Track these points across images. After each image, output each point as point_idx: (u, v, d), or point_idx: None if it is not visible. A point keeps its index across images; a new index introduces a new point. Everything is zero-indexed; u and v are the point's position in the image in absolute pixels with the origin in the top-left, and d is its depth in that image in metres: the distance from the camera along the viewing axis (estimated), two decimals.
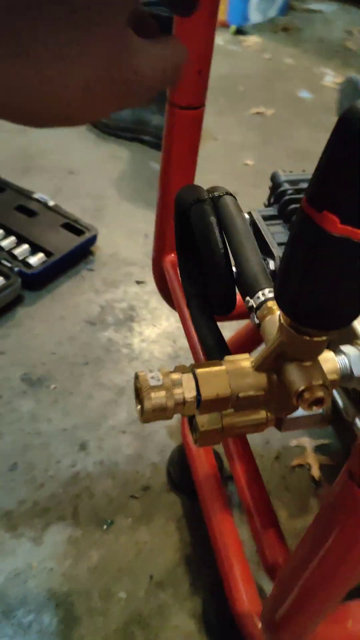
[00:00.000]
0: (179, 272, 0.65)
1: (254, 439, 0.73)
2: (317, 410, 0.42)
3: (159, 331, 1.21)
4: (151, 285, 1.30)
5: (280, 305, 0.38)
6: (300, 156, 1.76)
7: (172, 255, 0.78)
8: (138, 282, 1.31)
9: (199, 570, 0.85)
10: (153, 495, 0.93)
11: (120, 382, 1.09)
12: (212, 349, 0.59)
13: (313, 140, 1.89)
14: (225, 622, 0.77)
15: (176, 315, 1.23)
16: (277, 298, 0.38)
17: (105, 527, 0.89)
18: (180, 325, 1.21)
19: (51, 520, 0.89)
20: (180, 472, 0.93)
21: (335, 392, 0.55)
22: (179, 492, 0.93)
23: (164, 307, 1.26)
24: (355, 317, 0.38)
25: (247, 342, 0.86)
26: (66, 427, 1.01)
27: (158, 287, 0.84)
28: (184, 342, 1.18)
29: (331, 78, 2.30)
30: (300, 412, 0.53)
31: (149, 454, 0.99)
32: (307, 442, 1.03)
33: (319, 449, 1.02)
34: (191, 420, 0.53)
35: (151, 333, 1.20)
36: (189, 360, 1.15)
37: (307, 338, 0.40)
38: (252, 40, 2.51)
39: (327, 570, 0.38)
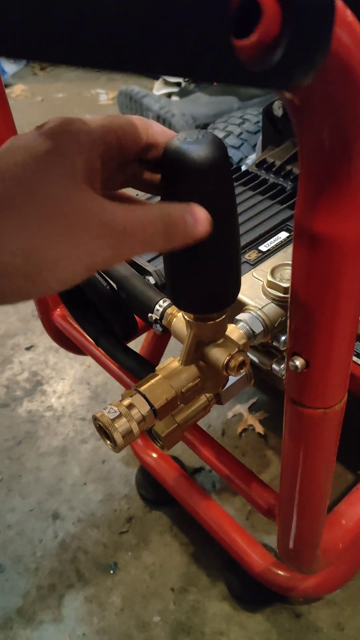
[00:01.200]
0: (75, 320, 0.71)
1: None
2: (243, 372, 0.51)
3: (70, 381, 1.25)
4: (42, 345, 1.34)
5: (181, 308, 0.47)
6: None
7: (59, 309, 0.83)
8: (28, 349, 1.34)
9: (209, 558, 0.92)
10: (138, 521, 0.98)
11: (59, 444, 1.12)
12: (138, 369, 0.66)
13: None
14: (251, 586, 0.85)
15: (78, 360, 1.29)
16: (175, 303, 0.46)
17: (112, 571, 0.93)
18: (87, 367, 1.27)
19: (62, 593, 0.91)
20: (151, 489, 0.99)
21: (248, 355, 0.65)
22: (159, 507, 0.99)
23: (64, 358, 1.30)
24: (237, 293, 0.47)
25: (155, 351, 0.94)
26: (32, 507, 1.03)
27: (58, 342, 0.89)
28: (97, 379, 1.24)
29: (105, 96, 2.44)
30: (230, 382, 0.62)
31: (117, 489, 1.03)
32: (241, 408, 1.13)
33: (252, 409, 1.13)
34: (150, 433, 0.60)
35: (64, 387, 1.24)
36: (110, 394, 1.21)
37: (211, 322, 0.48)
38: (19, 88, 2.58)
39: (310, 475, 0.47)
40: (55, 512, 1.01)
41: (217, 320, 0.48)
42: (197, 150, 0.38)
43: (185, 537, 0.95)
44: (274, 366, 0.61)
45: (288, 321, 0.38)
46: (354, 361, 0.97)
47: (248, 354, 0.64)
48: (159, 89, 2.32)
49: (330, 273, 0.31)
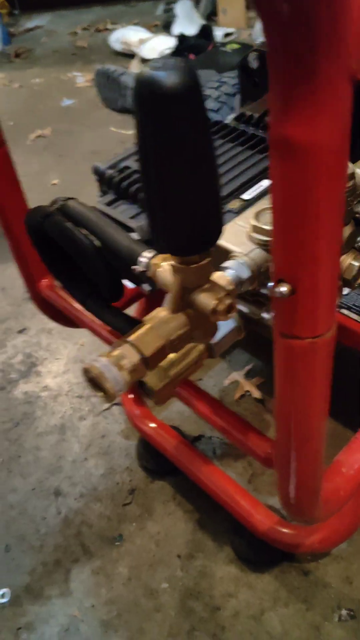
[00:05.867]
0: (61, 285, 0.70)
1: None
2: (231, 317, 0.50)
3: (64, 361, 1.24)
4: (34, 327, 1.32)
5: (164, 250, 0.46)
6: (96, 156, 1.85)
7: (44, 280, 0.82)
8: (20, 332, 1.33)
9: (214, 524, 0.92)
10: (141, 493, 0.98)
11: (57, 422, 1.12)
12: (128, 328, 0.65)
13: (99, 138, 1.99)
14: (258, 547, 0.85)
15: (72, 340, 1.28)
16: (158, 245, 0.45)
17: (117, 543, 0.92)
18: (81, 346, 1.26)
19: (68, 568, 0.90)
20: (152, 460, 0.99)
21: (238, 307, 0.64)
22: (161, 477, 0.99)
23: (57, 339, 1.29)
24: (219, 232, 0.46)
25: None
26: (33, 486, 1.02)
27: (47, 314, 0.88)
28: (92, 357, 1.23)
29: (82, 79, 2.41)
30: (221, 334, 0.62)
31: (117, 463, 1.03)
32: (237, 375, 1.13)
33: (248, 376, 1.13)
34: (144, 388, 0.59)
35: (59, 366, 1.23)
36: None
37: (195, 266, 0.48)
38: None
39: (304, 414, 0.46)
40: (57, 489, 1.01)
41: (201, 264, 0.48)
42: (167, 76, 0.36)
43: (189, 505, 0.95)
44: (264, 315, 0.60)
45: (271, 247, 0.37)
46: (347, 315, 0.96)
47: (237, 306, 0.64)
48: (136, 67, 2.29)
49: (306, 180, 0.30)
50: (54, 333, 1.30)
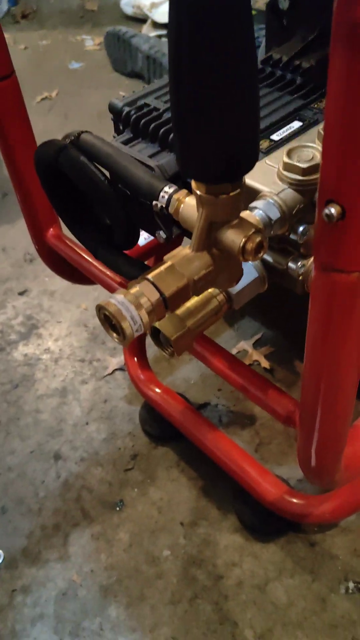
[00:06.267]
0: (71, 232, 0.66)
1: (205, 367, 0.76)
2: (260, 257, 0.46)
3: (67, 324, 1.20)
4: (36, 289, 1.28)
5: (191, 175, 0.41)
6: (103, 119, 1.79)
7: (52, 229, 0.78)
8: (21, 293, 1.28)
9: (218, 491, 0.89)
10: (144, 458, 0.95)
11: (58, 385, 1.08)
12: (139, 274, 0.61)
13: (107, 101, 1.93)
14: (264, 516, 0.82)
15: (74, 303, 1.24)
16: (185, 169, 0.41)
17: (118, 508, 0.89)
18: (84, 310, 1.22)
19: (67, 532, 0.87)
20: (156, 425, 0.96)
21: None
22: (165, 443, 0.96)
23: (59, 302, 1.25)
24: (255, 159, 0.42)
25: None
26: (32, 449, 0.99)
27: (53, 269, 0.84)
28: (95, 321, 1.19)
29: (91, 41, 2.34)
30: (242, 284, 0.58)
31: (120, 428, 1.00)
32: (245, 344, 1.09)
33: (256, 345, 1.09)
34: (158, 340, 0.55)
35: (61, 329, 1.19)
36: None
37: (225, 196, 0.43)
38: None
39: (338, 360, 0.42)
40: (57, 452, 0.98)
41: (232, 195, 0.43)
42: None
43: (193, 472, 0.92)
44: (291, 264, 0.56)
45: (321, 162, 0.33)
46: None
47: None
48: (148, 31, 2.22)
49: None
50: (56, 296, 1.26)
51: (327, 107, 0.30)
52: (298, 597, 0.78)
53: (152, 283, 0.45)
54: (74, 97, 1.98)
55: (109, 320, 0.44)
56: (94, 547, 0.86)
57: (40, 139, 0.58)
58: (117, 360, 1.09)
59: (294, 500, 0.78)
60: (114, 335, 0.45)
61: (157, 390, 0.92)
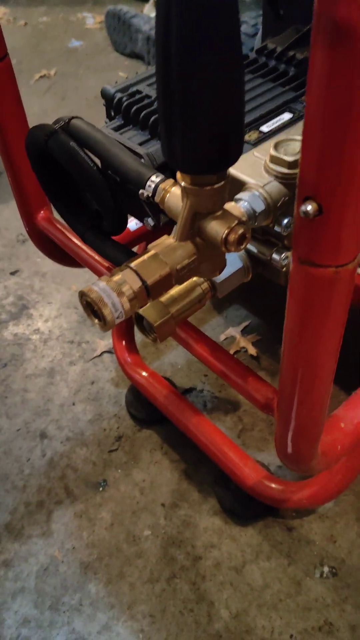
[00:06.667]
0: (61, 216, 0.66)
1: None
2: (242, 248, 0.47)
3: (57, 305, 1.21)
4: (27, 270, 1.29)
5: (177, 165, 0.42)
6: (101, 101, 1.78)
7: (42, 212, 0.78)
8: (12, 273, 1.29)
9: (200, 475, 0.91)
10: (128, 440, 0.96)
11: (46, 365, 1.09)
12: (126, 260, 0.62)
13: (106, 82, 1.91)
14: (243, 501, 0.84)
15: (65, 284, 1.24)
16: (172, 159, 0.42)
17: (101, 488, 0.91)
18: (74, 291, 1.22)
19: (50, 509, 0.89)
20: (141, 408, 0.97)
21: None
22: (150, 426, 0.97)
23: (50, 283, 1.26)
24: (239, 151, 0.43)
25: None
26: (19, 427, 1.00)
27: (43, 251, 0.84)
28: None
29: (92, 20, 2.31)
30: (227, 274, 0.59)
31: (106, 409, 1.01)
32: (233, 331, 1.10)
33: (244, 333, 1.10)
34: (142, 326, 0.56)
35: (51, 310, 1.20)
36: None
37: (209, 188, 0.44)
38: (0, 12, 2.43)
39: (315, 352, 0.43)
40: (43, 431, 0.99)
41: (216, 187, 0.44)
42: None
43: (176, 455, 0.94)
44: (274, 256, 0.57)
45: (300, 160, 0.34)
46: None
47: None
48: (149, 11, 2.19)
49: (356, 72, 0.27)
50: (47, 277, 1.27)
51: (307, 105, 0.31)
52: (274, 580, 0.80)
53: (135, 271, 0.46)
54: (72, 77, 1.96)
55: (90, 307, 0.45)
56: (76, 525, 0.87)
57: (37, 120, 0.59)
58: (106, 343, 1.11)
59: (273, 486, 0.79)
60: (96, 321, 0.46)
61: (144, 373, 0.93)
